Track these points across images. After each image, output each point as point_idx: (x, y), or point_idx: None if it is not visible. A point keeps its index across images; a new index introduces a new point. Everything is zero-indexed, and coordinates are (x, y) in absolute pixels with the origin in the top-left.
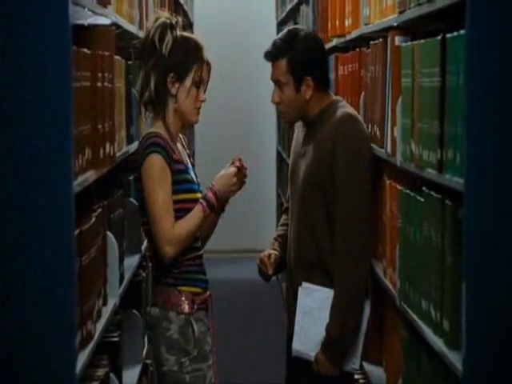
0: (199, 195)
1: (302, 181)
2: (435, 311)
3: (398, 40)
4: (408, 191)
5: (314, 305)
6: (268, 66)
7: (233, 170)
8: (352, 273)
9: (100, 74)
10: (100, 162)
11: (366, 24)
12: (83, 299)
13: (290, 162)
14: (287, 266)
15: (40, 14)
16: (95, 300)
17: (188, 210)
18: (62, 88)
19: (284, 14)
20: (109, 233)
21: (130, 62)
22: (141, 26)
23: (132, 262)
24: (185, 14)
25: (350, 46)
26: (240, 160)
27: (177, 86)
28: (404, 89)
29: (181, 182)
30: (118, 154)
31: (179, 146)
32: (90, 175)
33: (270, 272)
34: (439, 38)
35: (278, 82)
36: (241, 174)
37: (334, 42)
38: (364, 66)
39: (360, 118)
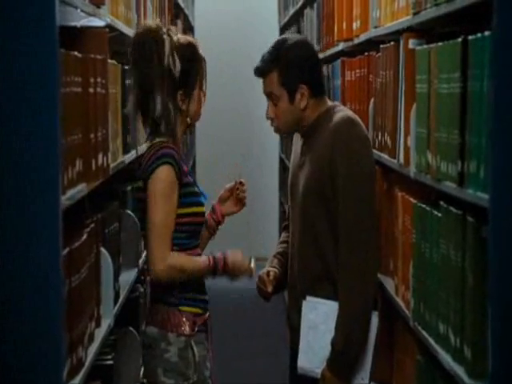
0: (204, 209)
1: (303, 192)
2: (454, 336)
3: (411, 43)
4: (423, 205)
5: (319, 319)
6: None
7: (248, 267)
8: (357, 284)
9: (92, 79)
10: (92, 175)
11: (375, 27)
12: (73, 324)
13: (289, 175)
14: (289, 281)
15: (24, 14)
16: (87, 323)
17: (196, 224)
18: (48, 94)
19: (287, 19)
20: (102, 249)
21: (126, 67)
22: (139, 25)
23: (129, 276)
24: (185, 18)
25: (357, 51)
26: (241, 183)
27: (187, 101)
28: (419, 95)
29: (189, 194)
30: (112, 165)
31: None
32: (81, 189)
33: (270, 290)
34: (460, 40)
35: (271, 96)
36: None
37: (341, 46)
38: (373, 71)
39: (360, 120)
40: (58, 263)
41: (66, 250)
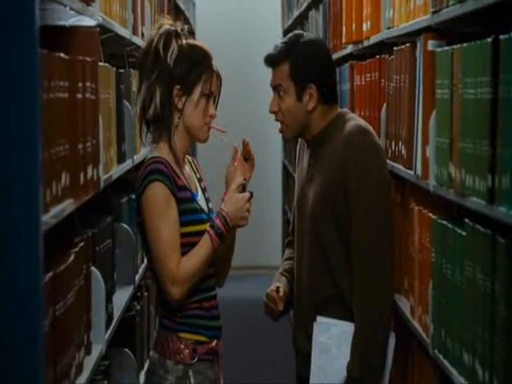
0: (206, 227)
1: (312, 208)
2: (483, 369)
3: (431, 44)
4: (444, 222)
5: (332, 341)
6: None
7: (246, 194)
8: (374, 305)
9: (81, 84)
10: (80, 189)
11: (388, 28)
12: (57, 358)
13: (295, 188)
14: (296, 302)
15: None
16: (74, 353)
17: (195, 245)
18: (27, 101)
19: (291, 21)
20: (93, 268)
21: (121, 71)
22: (135, 31)
23: (124, 294)
24: (186, 21)
25: (367, 54)
26: (247, 146)
27: (183, 99)
28: (439, 101)
29: (186, 212)
30: (104, 177)
31: (187, 169)
32: (68, 205)
33: (281, 308)
34: (490, 40)
35: (277, 89)
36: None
37: (349, 48)
38: (385, 75)
39: (372, 129)
40: (38, 292)
41: (50, 275)
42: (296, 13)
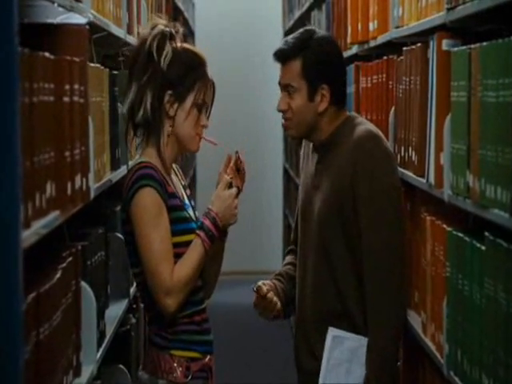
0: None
1: (319, 217)
2: None
3: (445, 44)
4: (460, 234)
5: (344, 356)
6: (275, 78)
7: (233, 190)
8: (389, 318)
9: (68, 86)
10: (68, 200)
11: (397, 27)
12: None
13: (299, 196)
14: (298, 319)
15: None
16: (62, 376)
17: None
18: (4, 105)
19: (292, 22)
20: (83, 284)
21: (115, 72)
22: (130, 31)
23: (119, 308)
24: (185, 22)
25: (372, 55)
26: (239, 159)
27: (175, 106)
28: (455, 104)
29: (177, 220)
30: (96, 185)
31: (173, 177)
32: (54, 218)
33: (270, 295)
34: None
35: (287, 88)
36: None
37: (354, 49)
38: (394, 77)
39: (382, 135)
40: (17, 317)
41: (32, 296)
42: (297, 13)
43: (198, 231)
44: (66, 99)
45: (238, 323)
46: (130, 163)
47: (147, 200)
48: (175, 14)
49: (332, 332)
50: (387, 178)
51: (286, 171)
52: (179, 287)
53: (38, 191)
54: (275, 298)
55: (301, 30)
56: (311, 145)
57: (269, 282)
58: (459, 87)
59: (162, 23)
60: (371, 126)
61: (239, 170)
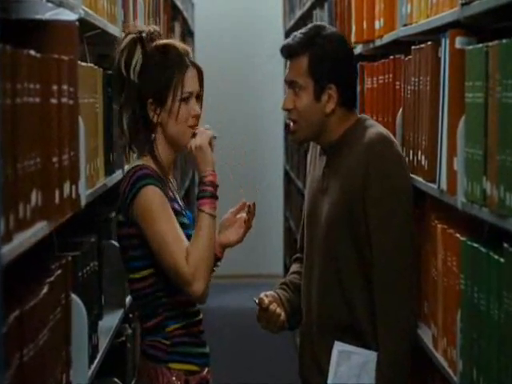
0: None
1: (327, 223)
2: None
3: (459, 42)
4: (476, 245)
5: (352, 372)
6: (276, 78)
7: (209, 135)
8: (400, 331)
9: (55, 87)
10: (56, 209)
11: (405, 25)
12: None
13: (306, 201)
14: (303, 331)
15: None
16: None
17: None
18: None
19: (293, 22)
20: (74, 297)
21: (109, 72)
22: (125, 29)
23: (114, 318)
24: (184, 22)
25: (377, 54)
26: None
27: (158, 111)
28: (469, 106)
29: None
30: (89, 192)
31: (172, 181)
32: (40, 229)
33: (280, 314)
34: None
35: (293, 85)
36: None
37: (359, 48)
38: (401, 77)
39: (394, 138)
40: None
41: (15, 315)
42: (298, 12)
43: (200, 203)
44: (54, 101)
45: (238, 327)
46: (126, 167)
47: (153, 197)
48: (174, 14)
49: (338, 347)
50: (399, 181)
51: (286, 173)
52: (199, 273)
53: (22, 201)
54: (278, 309)
55: (310, 25)
56: (318, 148)
57: (271, 292)
58: (475, 88)
59: (132, 31)
60: (383, 129)
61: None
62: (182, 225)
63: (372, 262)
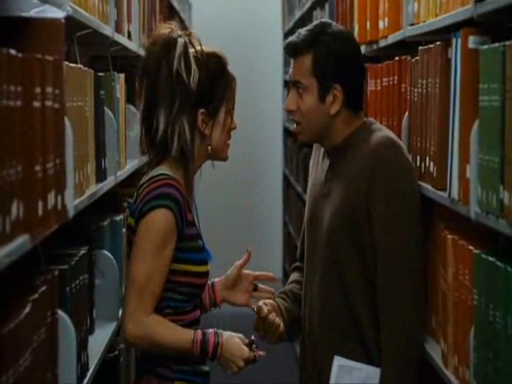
0: (209, 267)
1: (329, 228)
2: None
3: (472, 41)
4: (491, 258)
5: None
6: (275, 81)
7: (249, 354)
8: (405, 346)
9: (39, 89)
10: (39, 222)
11: (411, 24)
12: None
13: (307, 205)
14: (306, 340)
15: None
16: None
17: (196, 286)
18: None
19: (292, 23)
20: (61, 313)
21: (101, 74)
22: (119, 29)
23: (107, 332)
24: (181, 23)
25: (380, 56)
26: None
27: (210, 123)
28: (484, 110)
29: (192, 249)
30: (78, 201)
31: None
32: (21, 243)
33: (279, 324)
34: None
35: (297, 85)
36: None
37: (362, 49)
38: (407, 79)
39: (402, 143)
40: None
41: None
42: (298, 13)
43: (198, 337)
44: (37, 104)
45: (237, 332)
46: (119, 174)
47: (159, 225)
48: (170, 14)
49: (338, 361)
50: (405, 184)
51: (285, 177)
52: (147, 332)
53: (1, 213)
54: (277, 319)
55: (315, 22)
56: (322, 150)
57: (270, 301)
58: (490, 90)
59: (174, 34)
60: (391, 134)
61: (256, 289)
62: (198, 248)
63: (375, 265)
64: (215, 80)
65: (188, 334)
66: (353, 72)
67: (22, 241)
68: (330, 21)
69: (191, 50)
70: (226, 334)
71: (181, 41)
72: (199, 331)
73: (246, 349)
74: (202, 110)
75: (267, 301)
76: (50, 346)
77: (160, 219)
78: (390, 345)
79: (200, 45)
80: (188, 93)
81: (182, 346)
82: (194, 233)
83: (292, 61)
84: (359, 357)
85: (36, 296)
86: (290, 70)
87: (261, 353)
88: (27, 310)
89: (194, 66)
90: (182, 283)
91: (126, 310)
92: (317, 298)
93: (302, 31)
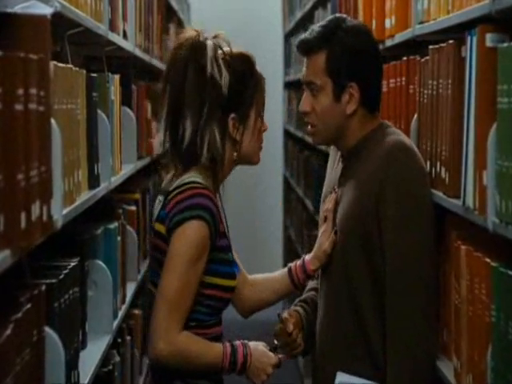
0: (236, 282)
1: (340, 231)
2: None
3: (489, 39)
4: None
5: None
6: (275, 82)
7: (276, 359)
8: (412, 363)
9: (21, 91)
10: (22, 235)
11: (421, 22)
12: None
13: (321, 208)
14: (315, 353)
15: None
16: None
17: (222, 300)
18: None
19: (293, 24)
20: (48, 331)
21: (94, 75)
22: (113, 28)
23: (100, 345)
24: (179, 23)
25: (386, 56)
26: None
27: (241, 128)
28: (503, 113)
29: (221, 262)
30: (67, 210)
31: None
32: (2, 259)
33: (300, 344)
34: None
35: (310, 86)
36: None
37: None
38: (416, 80)
39: (417, 150)
40: None
41: None
42: (299, 14)
43: (228, 351)
44: (19, 107)
45: (237, 337)
46: (114, 179)
47: (194, 237)
48: (168, 15)
49: (340, 377)
50: (418, 187)
51: (286, 180)
52: (175, 354)
53: None
54: (299, 340)
55: (329, 17)
56: (338, 154)
57: (294, 311)
58: (510, 92)
59: (202, 37)
60: (405, 138)
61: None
62: (228, 261)
63: (383, 268)
64: (245, 82)
65: (217, 347)
66: (369, 69)
67: (2, 256)
68: (344, 15)
69: (219, 52)
70: (252, 344)
71: (210, 43)
72: (227, 343)
73: (272, 355)
74: (232, 115)
75: (291, 311)
76: (35, 367)
77: (194, 231)
78: (397, 347)
79: (229, 46)
80: (219, 97)
81: (211, 360)
82: (225, 244)
83: (305, 60)
84: (371, 375)
85: (20, 315)
86: (303, 69)
87: (284, 356)
88: (8, 331)
89: (224, 70)
90: (207, 296)
91: (157, 327)
92: (326, 311)
93: (315, 27)
